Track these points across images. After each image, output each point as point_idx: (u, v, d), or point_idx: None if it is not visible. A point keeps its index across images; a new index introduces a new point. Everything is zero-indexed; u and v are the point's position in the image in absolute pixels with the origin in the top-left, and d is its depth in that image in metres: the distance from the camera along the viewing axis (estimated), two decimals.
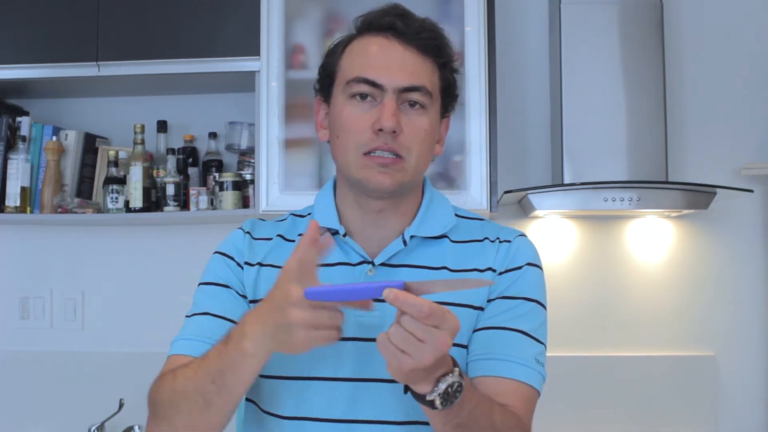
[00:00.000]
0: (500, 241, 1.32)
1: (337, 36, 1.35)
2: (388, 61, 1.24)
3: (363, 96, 1.24)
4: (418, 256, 1.30)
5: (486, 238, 1.33)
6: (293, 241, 1.35)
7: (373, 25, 1.27)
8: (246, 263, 1.34)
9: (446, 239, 1.33)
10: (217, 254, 1.37)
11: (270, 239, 1.36)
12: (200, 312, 1.32)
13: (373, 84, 1.23)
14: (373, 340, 1.22)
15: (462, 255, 1.31)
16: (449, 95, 1.33)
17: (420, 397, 1.05)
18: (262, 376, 1.30)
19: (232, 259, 1.35)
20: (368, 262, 1.29)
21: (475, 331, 1.27)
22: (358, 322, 1.24)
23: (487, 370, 1.23)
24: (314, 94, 1.36)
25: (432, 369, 1.01)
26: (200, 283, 1.36)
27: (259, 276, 1.32)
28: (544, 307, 1.32)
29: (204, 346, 1.25)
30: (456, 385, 1.04)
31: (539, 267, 1.34)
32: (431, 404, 1.04)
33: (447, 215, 1.35)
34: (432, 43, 1.27)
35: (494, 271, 1.29)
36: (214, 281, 1.34)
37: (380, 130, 1.21)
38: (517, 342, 1.25)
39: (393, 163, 1.23)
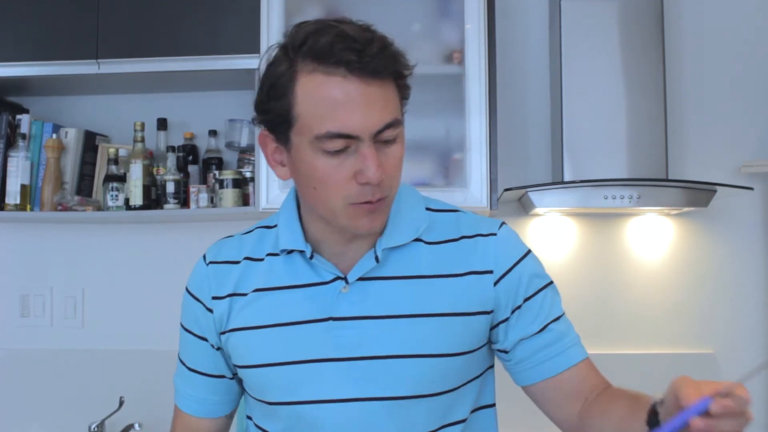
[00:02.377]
0: (484, 236, 1.27)
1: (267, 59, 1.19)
2: (356, 107, 1.10)
3: (338, 151, 1.12)
4: (391, 267, 1.24)
5: (462, 237, 1.27)
6: (261, 260, 1.28)
7: (323, 58, 1.10)
8: (214, 298, 1.29)
9: (420, 242, 1.26)
10: (186, 293, 1.35)
11: (237, 262, 1.30)
12: (181, 359, 1.39)
13: (348, 137, 1.11)
14: (354, 359, 1.21)
15: (438, 258, 1.25)
16: (406, 98, 1.21)
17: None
18: (255, 399, 1.30)
19: (199, 302, 1.31)
20: (341, 278, 1.23)
21: (521, 340, 1.28)
22: (335, 343, 1.21)
23: (555, 368, 1.28)
24: (254, 122, 1.21)
25: None
26: (180, 323, 1.38)
27: (232, 307, 1.28)
28: (551, 280, 1.33)
29: (190, 404, 1.37)
30: None
31: (529, 250, 1.31)
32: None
33: (418, 216, 1.27)
34: (391, 66, 1.13)
35: (491, 272, 1.25)
36: (186, 327, 1.36)
37: (366, 183, 1.12)
38: (560, 329, 1.30)
39: (378, 207, 1.17)
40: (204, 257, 1.33)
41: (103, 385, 2.68)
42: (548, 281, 1.31)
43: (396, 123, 1.14)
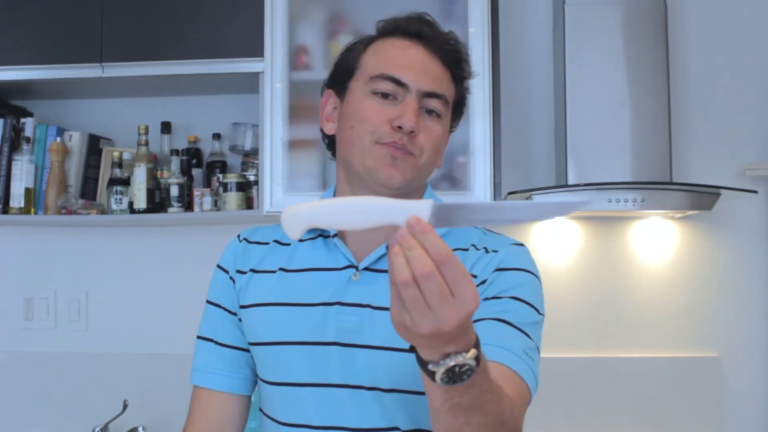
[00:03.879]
0: (487, 251, 1.27)
1: (344, 36, 1.35)
2: (414, 63, 1.25)
3: (385, 95, 1.24)
4: None
5: (472, 246, 1.29)
6: (288, 245, 1.36)
7: (400, 28, 1.28)
8: (238, 271, 1.36)
9: None
10: (216, 268, 1.41)
11: (267, 243, 1.37)
12: (206, 337, 1.38)
13: (397, 82, 1.23)
14: (350, 345, 1.22)
15: None
16: (458, 110, 1.34)
17: (422, 363, 0.91)
18: (262, 380, 1.33)
19: (226, 272, 1.38)
20: (353, 267, 1.27)
21: None
22: (337, 327, 1.24)
23: None
24: (322, 89, 1.36)
25: (448, 338, 0.85)
26: (206, 300, 1.40)
27: (250, 282, 1.34)
28: (536, 310, 1.24)
29: (218, 378, 1.35)
30: (466, 368, 0.88)
31: (532, 273, 1.27)
32: (431, 375, 0.90)
33: None
34: (455, 56, 1.28)
35: (475, 276, 1.23)
36: (213, 300, 1.39)
37: (399, 127, 1.21)
38: (502, 330, 1.17)
39: (404, 156, 1.22)
40: (238, 236, 1.41)
41: (107, 389, 2.68)
42: (525, 300, 1.22)
43: (444, 99, 1.26)
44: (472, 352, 0.89)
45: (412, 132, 1.21)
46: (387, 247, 0.85)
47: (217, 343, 1.36)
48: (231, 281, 1.36)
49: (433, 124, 1.25)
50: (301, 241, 1.34)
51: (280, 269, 1.32)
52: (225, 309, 1.36)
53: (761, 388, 2.63)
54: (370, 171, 1.24)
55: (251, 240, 1.39)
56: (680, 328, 2.65)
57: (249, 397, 1.39)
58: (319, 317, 1.25)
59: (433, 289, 0.81)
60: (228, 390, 1.35)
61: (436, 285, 0.81)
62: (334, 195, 1.36)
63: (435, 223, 0.85)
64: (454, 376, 0.88)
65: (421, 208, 0.85)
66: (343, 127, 1.29)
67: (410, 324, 0.84)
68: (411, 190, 1.29)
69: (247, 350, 1.36)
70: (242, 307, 1.34)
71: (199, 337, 1.39)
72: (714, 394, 2.60)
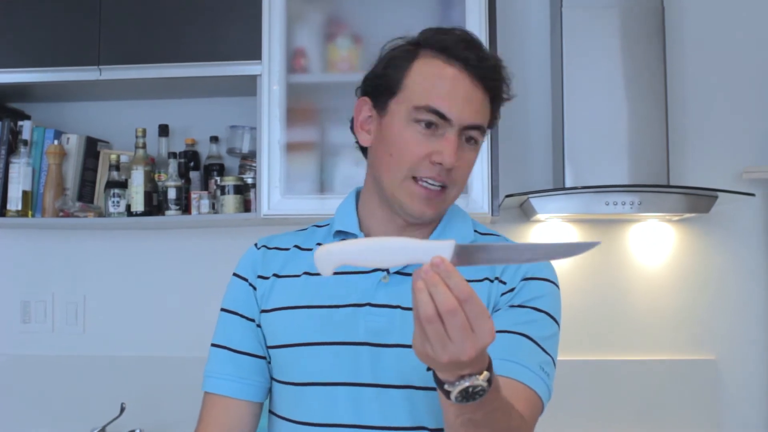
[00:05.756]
0: None
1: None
2: (459, 96, 1.24)
3: (428, 124, 1.23)
4: None
5: None
6: (310, 249, 1.36)
7: (447, 50, 1.26)
8: (259, 277, 1.37)
9: None
10: (233, 276, 1.41)
11: (287, 249, 1.38)
12: (220, 344, 1.38)
13: (441, 116, 1.22)
14: (386, 345, 1.24)
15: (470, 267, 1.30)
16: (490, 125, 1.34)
17: (439, 382, 0.99)
18: (283, 382, 1.32)
19: (245, 280, 1.38)
20: (383, 270, 1.29)
21: None
22: (366, 327, 1.26)
23: None
24: (356, 92, 1.35)
25: (464, 364, 0.93)
26: (221, 308, 1.40)
27: (274, 287, 1.35)
28: (555, 321, 1.30)
29: (231, 384, 1.35)
30: (479, 388, 0.96)
31: (554, 284, 1.33)
32: (447, 394, 0.98)
33: (466, 229, 1.37)
34: (497, 84, 1.28)
35: (504, 283, 1.29)
36: (230, 308, 1.39)
37: (439, 163, 1.22)
38: (522, 346, 1.23)
39: (437, 196, 1.25)
40: (255, 244, 1.42)
41: (104, 392, 2.68)
42: (546, 311, 1.28)
43: (483, 129, 1.27)
44: (485, 374, 0.96)
45: (450, 169, 1.23)
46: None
47: (231, 350, 1.36)
48: (251, 288, 1.37)
49: (470, 153, 1.27)
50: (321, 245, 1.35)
51: (305, 273, 1.33)
52: (242, 316, 1.37)
53: (759, 391, 2.63)
54: (402, 204, 1.26)
55: (270, 246, 1.40)
56: (678, 331, 2.65)
57: (261, 405, 1.39)
58: (349, 318, 1.27)
59: (456, 324, 0.89)
60: (242, 397, 1.35)
61: (460, 321, 0.89)
62: (357, 199, 1.38)
63: (456, 262, 0.93)
64: (468, 395, 0.97)
65: (444, 249, 0.93)
66: (379, 147, 1.29)
67: (432, 354, 0.92)
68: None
69: (263, 357, 1.36)
70: (264, 311, 1.34)
71: (213, 345, 1.39)
72: (711, 397, 2.60)
